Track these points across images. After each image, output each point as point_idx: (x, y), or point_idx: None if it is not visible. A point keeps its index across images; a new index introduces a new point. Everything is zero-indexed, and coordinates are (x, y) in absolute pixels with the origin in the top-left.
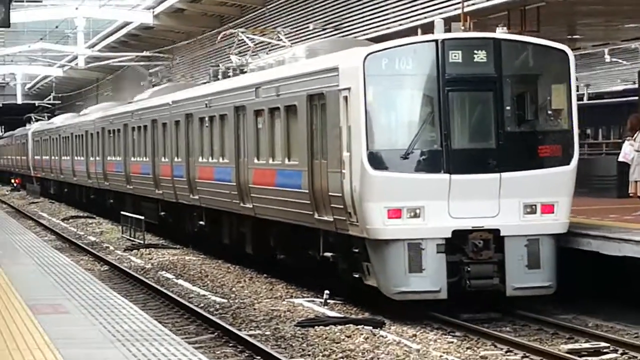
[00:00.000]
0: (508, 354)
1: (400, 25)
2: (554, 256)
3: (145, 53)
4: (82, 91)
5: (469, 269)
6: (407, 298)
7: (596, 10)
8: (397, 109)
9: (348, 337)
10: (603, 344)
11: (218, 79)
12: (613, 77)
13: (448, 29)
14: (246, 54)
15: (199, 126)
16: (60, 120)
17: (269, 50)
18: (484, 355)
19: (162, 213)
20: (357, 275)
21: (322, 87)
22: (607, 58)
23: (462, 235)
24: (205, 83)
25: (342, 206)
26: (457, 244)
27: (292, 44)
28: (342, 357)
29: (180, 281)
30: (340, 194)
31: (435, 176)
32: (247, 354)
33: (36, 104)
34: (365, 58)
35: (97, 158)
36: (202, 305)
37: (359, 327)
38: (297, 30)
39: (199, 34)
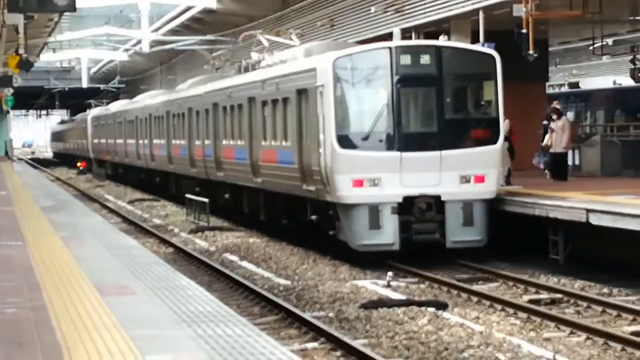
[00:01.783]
0: (571, 335)
1: (463, 7)
2: (485, 216)
3: (208, 37)
4: (147, 75)
5: (416, 226)
6: (369, 250)
7: None
8: (359, 101)
9: (411, 319)
10: None
11: (241, 73)
12: None
13: (510, 11)
14: (264, 51)
15: (222, 114)
16: (115, 106)
17: (283, 48)
18: (547, 337)
19: (197, 189)
20: (331, 233)
21: (306, 83)
22: None
23: (410, 200)
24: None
25: (319, 178)
26: (407, 207)
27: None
28: (405, 339)
29: (244, 263)
30: (318, 168)
31: (389, 154)
32: (311, 335)
33: (101, 88)
34: (334, 61)
35: (146, 141)
36: (266, 287)
37: (422, 309)
38: (358, 16)
39: (262, 17)
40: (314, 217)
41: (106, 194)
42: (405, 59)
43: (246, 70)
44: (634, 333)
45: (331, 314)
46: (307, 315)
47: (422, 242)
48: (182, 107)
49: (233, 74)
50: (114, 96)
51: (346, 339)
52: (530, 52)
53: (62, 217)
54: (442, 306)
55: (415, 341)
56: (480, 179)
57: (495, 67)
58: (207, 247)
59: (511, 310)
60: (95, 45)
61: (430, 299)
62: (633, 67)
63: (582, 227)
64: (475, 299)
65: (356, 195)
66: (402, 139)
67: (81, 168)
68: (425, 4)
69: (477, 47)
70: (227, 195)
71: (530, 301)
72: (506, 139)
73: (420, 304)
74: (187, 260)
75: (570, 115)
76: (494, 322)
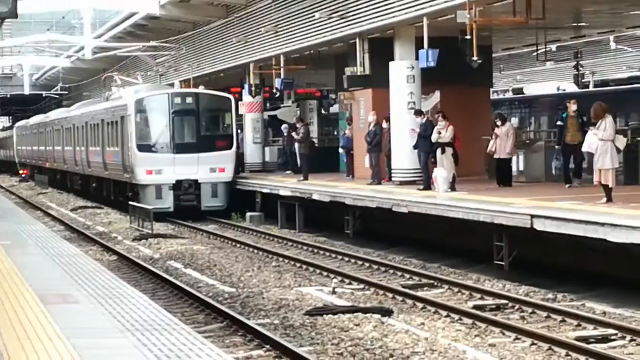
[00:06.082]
0: (516, 341)
1: (407, 14)
2: (226, 192)
3: (152, 43)
4: (89, 81)
5: (183, 197)
6: (155, 211)
7: None
8: (150, 124)
9: (357, 325)
10: (611, 331)
11: (105, 101)
12: (619, 64)
13: (454, 17)
14: (120, 86)
15: (90, 129)
16: (33, 120)
17: (128, 86)
18: (492, 343)
19: (79, 181)
20: (136, 203)
21: (123, 112)
22: (613, 45)
23: (180, 182)
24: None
25: (130, 170)
26: (178, 186)
27: (144, 81)
28: (351, 346)
29: (188, 270)
30: (129, 164)
31: (167, 155)
32: (256, 343)
33: (43, 95)
34: (135, 100)
35: (50, 148)
36: (210, 294)
37: (367, 315)
38: (302, 22)
39: (205, 24)
40: (130, 193)
41: (49, 202)
42: (177, 100)
43: (107, 99)
44: (578, 338)
45: (276, 321)
46: (251, 323)
47: (186, 207)
48: (70, 123)
49: (102, 101)
50: (56, 103)
51: (291, 346)
52: (474, 58)
53: (3, 225)
54: (387, 312)
55: (360, 348)
56: (222, 170)
57: (231, 104)
58: (151, 254)
59: (456, 316)
60: (37, 52)
61: (375, 306)
62: (576, 72)
63: (527, 232)
64: (420, 305)
65: (148, 179)
66: (175, 147)
67: (23, 175)
68: (368, 10)
69: (219, 93)
70: (94, 184)
71: (475, 307)
72: (450, 145)
73: (365, 310)
74: (130, 268)
75: (514, 121)
76: (439, 328)
